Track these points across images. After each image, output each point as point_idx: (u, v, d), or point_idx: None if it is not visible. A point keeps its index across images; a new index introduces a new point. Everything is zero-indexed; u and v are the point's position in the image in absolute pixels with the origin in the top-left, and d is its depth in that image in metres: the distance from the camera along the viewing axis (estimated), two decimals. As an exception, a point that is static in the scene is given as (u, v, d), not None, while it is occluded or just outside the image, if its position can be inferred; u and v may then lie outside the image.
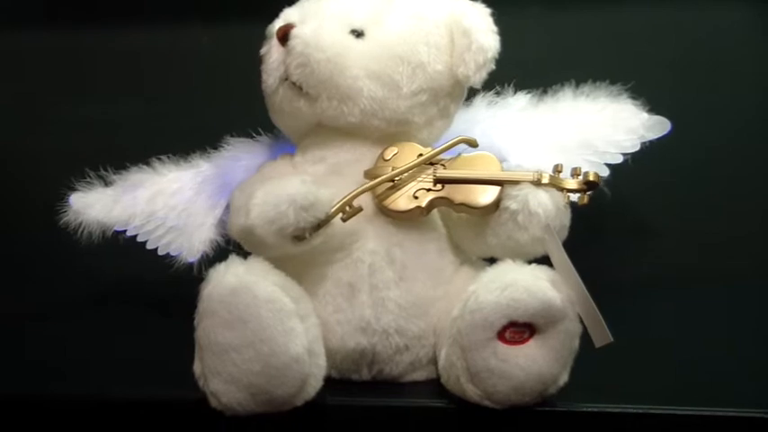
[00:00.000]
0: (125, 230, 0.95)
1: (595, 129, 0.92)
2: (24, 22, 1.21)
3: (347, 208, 0.76)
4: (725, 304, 1.03)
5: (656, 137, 0.92)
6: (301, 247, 0.75)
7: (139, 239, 0.95)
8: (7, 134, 1.23)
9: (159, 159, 0.96)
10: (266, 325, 0.70)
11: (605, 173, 0.90)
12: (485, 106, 0.94)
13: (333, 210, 0.75)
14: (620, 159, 0.92)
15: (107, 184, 0.96)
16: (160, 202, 0.94)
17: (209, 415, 0.72)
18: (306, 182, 0.75)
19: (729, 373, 0.82)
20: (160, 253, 0.94)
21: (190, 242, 0.92)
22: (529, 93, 0.95)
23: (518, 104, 0.94)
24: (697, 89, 1.12)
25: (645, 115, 0.92)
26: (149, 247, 0.95)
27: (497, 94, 0.94)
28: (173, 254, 0.93)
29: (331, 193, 0.76)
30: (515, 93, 0.95)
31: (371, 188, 0.78)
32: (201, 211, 0.92)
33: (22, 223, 1.19)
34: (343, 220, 0.76)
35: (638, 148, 0.92)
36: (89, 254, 0.94)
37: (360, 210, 0.77)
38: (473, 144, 0.81)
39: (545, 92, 0.94)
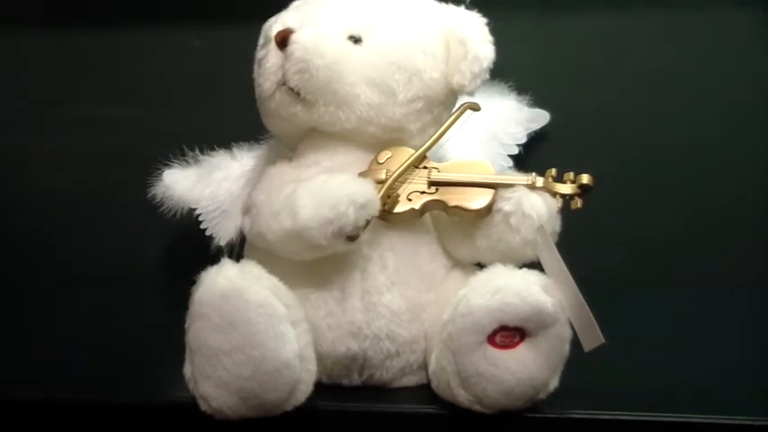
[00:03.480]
0: (196, 209, 0.97)
1: (497, 122, 1.02)
2: (23, 23, 1.21)
3: (387, 198, 0.78)
4: (718, 308, 1.03)
5: (538, 127, 1.04)
6: (350, 246, 0.76)
7: (201, 219, 0.97)
8: (13, 134, 1.23)
9: (239, 145, 0.99)
10: (257, 329, 0.69)
11: (510, 163, 1.00)
12: None
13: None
14: (516, 150, 1.03)
15: (197, 163, 0.99)
16: (225, 186, 0.96)
17: (198, 419, 0.71)
18: (360, 179, 0.76)
19: (722, 380, 0.82)
20: (207, 234, 0.96)
21: (225, 227, 0.95)
22: None
23: None
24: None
25: (527, 109, 1.04)
26: (203, 226, 0.97)
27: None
28: (213, 236, 0.95)
29: (376, 187, 0.77)
30: None
31: (403, 173, 0.79)
32: (243, 198, 0.93)
33: (22, 220, 1.20)
34: (386, 211, 0.78)
35: (525, 139, 1.04)
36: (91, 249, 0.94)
37: (397, 197, 0.79)
38: (477, 108, 0.84)
39: None
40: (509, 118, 1.03)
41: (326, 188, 0.74)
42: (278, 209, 0.77)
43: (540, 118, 1.04)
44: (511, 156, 1.02)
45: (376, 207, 0.75)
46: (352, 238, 0.74)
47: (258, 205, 0.81)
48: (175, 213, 0.96)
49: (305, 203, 0.74)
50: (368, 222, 0.75)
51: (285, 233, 0.76)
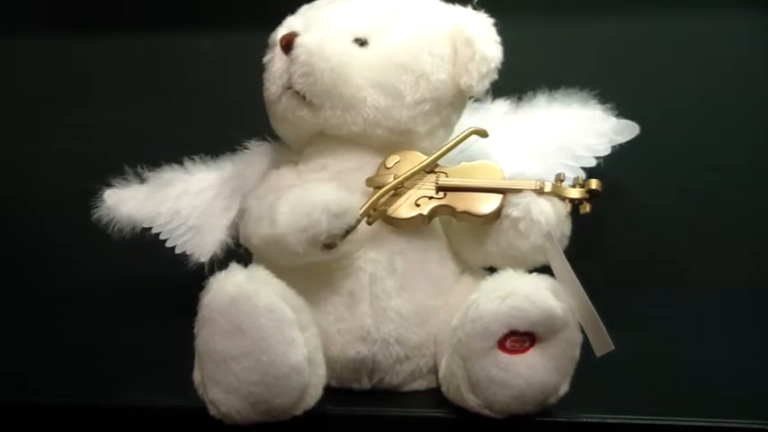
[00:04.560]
0: (151, 228, 0.96)
1: (570, 133, 0.94)
2: (27, 28, 1.22)
3: (372, 211, 0.77)
4: (728, 314, 1.02)
5: (625, 140, 0.94)
6: (330, 255, 0.76)
7: (162, 237, 0.96)
8: (14, 138, 1.23)
9: (192, 159, 0.97)
10: (266, 334, 0.69)
11: (582, 176, 0.90)
12: (467, 113, 0.93)
13: (360, 215, 0.76)
14: (593, 163, 0.94)
15: (142, 181, 0.97)
16: (185, 202, 0.95)
17: (208, 424, 0.71)
18: (337, 188, 0.75)
19: (730, 384, 0.82)
20: (178, 251, 0.95)
21: (203, 243, 0.93)
22: (506, 99, 0.96)
23: (499, 111, 0.96)
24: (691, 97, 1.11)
25: (614, 120, 0.95)
26: (169, 245, 0.95)
27: (476, 100, 0.94)
28: (188, 252, 0.94)
29: (358, 199, 0.76)
30: (494, 99, 0.96)
31: (393, 188, 0.79)
32: (217, 212, 0.93)
33: (24, 225, 1.20)
34: (369, 223, 0.77)
35: (609, 151, 0.94)
36: (94, 255, 0.94)
37: (384, 212, 0.78)
38: (483, 134, 0.82)
39: (520, 98, 0.96)
40: (588, 129, 0.95)
41: (305, 196, 0.75)
42: (261, 214, 0.78)
43: (629, 130, 0.95)
44: (585, 168, 0.93)
45: (353, 217, 0.74)
46: (329, 246, 0.75)
47: (248, 210, 0.81)
48: (125, 234, 0.95)
49: (284, 210, 0.74)
50: (346, 232, 0.74)
51: (265, 239, 0.77)
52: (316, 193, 0.74)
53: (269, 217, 0.75)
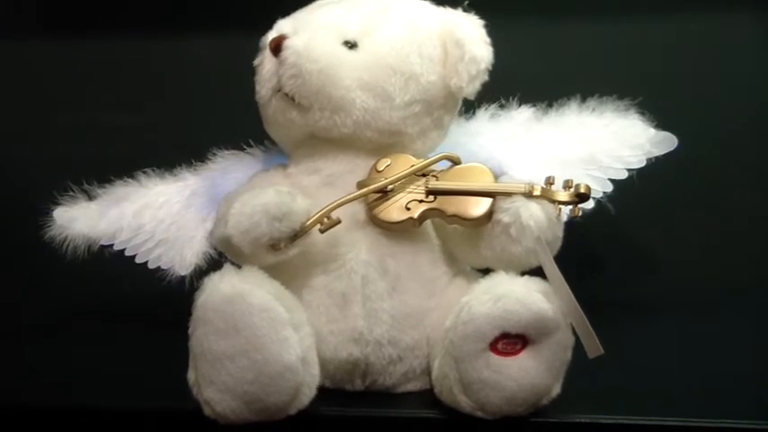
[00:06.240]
0: (111, 244, 0.94)
1: (600, 144, 0.92)
2: (19, 33, 1.21)
3: (325, 219, 0.76)
4: (717, 318, 1.03)
5: (662, 153, 0.91)
6: (278, 257, 0.76)
7: (127, 253, 0.94)
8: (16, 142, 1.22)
9: (144, 173, 0.96)
10: (260, 334, 0.70)
11: (609, 188, 0.91)
12: (487, 119, 0.93)
13: (310, 221, 0.75)
14: (624, 175, 0.91)
15: (91, 197, 0.96)
16: (147, 216, 0.94)
17: (202, 424, 0.72)
18: (281, 192, 0.75)
19: (724, 384, 0.82)
20: (150, 266, 0.93)
21: (181, 255, 0.92)
22: (533, 106, 0.95)
23: (520, 118, 0.94)
24: (703, 104, 1.12)
25: (652, 131, 0.92)
26: (139, 260, 0.94)
27: (501, 106, 0.94)
28: (164, 267, 0.93)
29: (308, 204, 0.76)
30: (519, 106, 0.95)
31: (351, 200, 0.78)
32: (191, 224, 0.92)
33: (10, 235, 1.18)
34: (321, 231, 0.76)
35: (643, 164, 0.91)
36: (81, 265, 0.94)
37: (338, 222, 0.77)
38: (456, 161, 0.81)
39: (550, 105, 0.95)
40: (623, 140, 0.91)
41: (252, 198, 0.75)
42: (221, 215, 0.79)
43: (666, 142, 0.91)
44: (615, 180, 0.91)
45: (296, 222, 0.74)
46: (274, 248, 0.75)
47: (217, 209, 0.83)
48: (81, 253, 0.94)
49: (234, 212, 0.75)
50: (292, 237, 0.75)
51: (219, 238, 0.79)
52: (261, 195, 0.75)
53: (224, 218, 0.76)
